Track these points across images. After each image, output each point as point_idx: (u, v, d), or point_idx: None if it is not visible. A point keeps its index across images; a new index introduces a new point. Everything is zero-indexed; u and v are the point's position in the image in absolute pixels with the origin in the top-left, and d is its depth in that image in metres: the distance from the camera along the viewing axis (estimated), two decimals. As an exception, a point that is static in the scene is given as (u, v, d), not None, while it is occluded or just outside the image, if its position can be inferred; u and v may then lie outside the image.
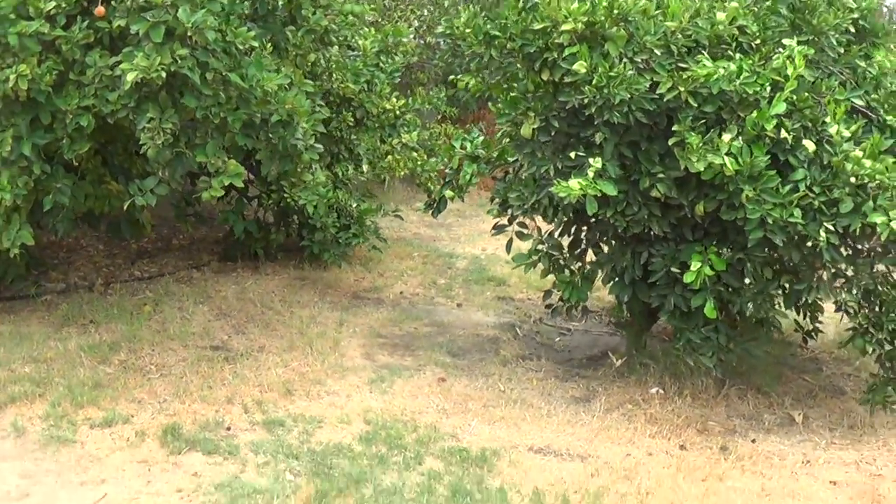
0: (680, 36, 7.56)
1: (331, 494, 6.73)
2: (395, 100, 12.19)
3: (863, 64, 8.28)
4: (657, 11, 7.75)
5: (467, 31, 8.18)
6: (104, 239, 12.58)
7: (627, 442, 7.91)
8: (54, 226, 9.49)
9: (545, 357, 9.82)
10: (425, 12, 16.50)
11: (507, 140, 8.82)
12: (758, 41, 7.73)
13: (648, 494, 7.03)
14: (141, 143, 8.10)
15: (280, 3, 9.35)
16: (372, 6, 12.26)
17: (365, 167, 12.31)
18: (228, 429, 7.72)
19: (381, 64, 11.94)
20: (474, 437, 7.82)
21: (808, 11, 8.02)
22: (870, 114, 7.97)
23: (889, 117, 7.91)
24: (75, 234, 12.34)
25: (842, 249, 7.81)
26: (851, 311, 8.47)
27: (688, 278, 7.52)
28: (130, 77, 7.65)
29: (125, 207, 9.36)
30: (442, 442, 7.67)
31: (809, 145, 7.24)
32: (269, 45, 9.27)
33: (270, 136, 8.68)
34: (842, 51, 8.16)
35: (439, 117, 15.76)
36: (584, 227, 9.00)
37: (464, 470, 7.22)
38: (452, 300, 11.65)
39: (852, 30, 8.38)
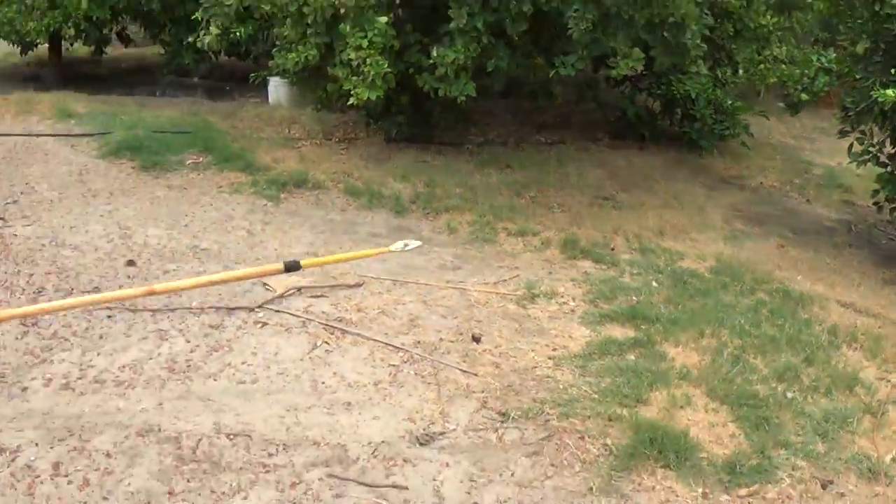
0: None
1: (683, 297, 9.52)
2: (769, 17, 14.48)
3: None
4: None
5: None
6: (512, 111, 15.95)
7: (918, 314, 10.29)
8: (493, 84, 12.84)
9: (869, 250, 12.35)
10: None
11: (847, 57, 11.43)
12: None
13: (921, 347, 9.42)
14: (568, 27, 11.21)
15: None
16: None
17: (740, 71, 14.96)
18: (612, 249, 10.76)
19: (756, -18, 14.32)
20: (797, 286, 10.41)
21: None
22: None
23: None
24: (488, 107, 15.73)
25: None
26: None
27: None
28: (566, -25, 10.84)
29: (551, 76, 12.51)
30: (771, 284, 10.32)
31: None
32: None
33: (665, 34, 11.58)
34: None
35: (812, 40, 18.01)
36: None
37: (783, 303, 9.83)
38: (802, 196, 14.39)
39: None
